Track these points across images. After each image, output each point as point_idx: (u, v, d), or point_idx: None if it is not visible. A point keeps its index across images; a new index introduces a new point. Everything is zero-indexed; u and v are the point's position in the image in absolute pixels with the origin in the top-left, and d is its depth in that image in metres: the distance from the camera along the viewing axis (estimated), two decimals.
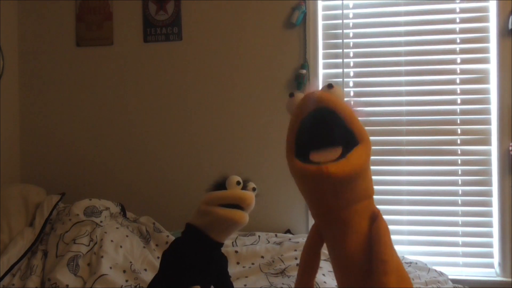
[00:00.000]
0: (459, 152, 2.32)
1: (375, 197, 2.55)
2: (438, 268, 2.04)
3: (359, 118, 1.12)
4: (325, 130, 1.10)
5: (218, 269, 1.48)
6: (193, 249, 1.39)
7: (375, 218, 1.13)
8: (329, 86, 1.12)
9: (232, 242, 2.13)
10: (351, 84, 2.41)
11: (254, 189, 1.42)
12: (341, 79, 2.39)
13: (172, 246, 1.45)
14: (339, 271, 1.18)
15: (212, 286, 1.47)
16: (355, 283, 1.13)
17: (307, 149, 1.11)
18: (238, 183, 1.37)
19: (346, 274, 1.16)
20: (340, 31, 2.39)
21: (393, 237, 2.51)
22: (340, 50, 2.39)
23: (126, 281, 1.83)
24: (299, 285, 1.27)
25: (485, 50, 2.30)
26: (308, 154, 1.10)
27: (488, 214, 2.29)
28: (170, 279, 1.38)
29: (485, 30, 2.29)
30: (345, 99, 1.14)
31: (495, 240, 2.27)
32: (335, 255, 1.18)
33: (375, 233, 1.10)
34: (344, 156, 1.06)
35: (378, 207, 2.61)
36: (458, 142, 2.32)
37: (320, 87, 1.16)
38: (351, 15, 2.41)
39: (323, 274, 1.83)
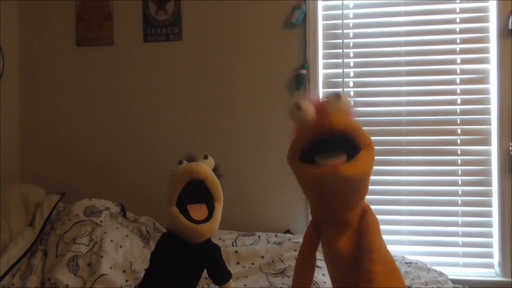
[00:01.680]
0: (459, 152, 2.32)
1: (375, 197, 2.56)
2: (438, 268, 2.04)
3: (362, 127, 1.17)
4: (329, 138, 1.14)
5: (203, 261, 1.50)
6: (167, 250, 1.44)
7: (364, 213, 1.19)
8: (337, 97, 1.15)
9: (232, 242, 2.13)
10: (351, 84, 2.41)
11: (205, 157, 1.47)
12: (341, 79, 2.40)
13: (155, 246, 1.51)
14: (330, 265, 1.25)
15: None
16: (344, 275, 1.19)
17: (311, 154, 1.16)
18: (180, 162, 1.44)
19: (336, 268, 1.22)
20: (340, 31, 2.39)
21: (393, 237, 2.52)
22: (340, 50, 2.39)
23: (126, 281, 1.83)
24: (297, 284, 1.29)
25: (485, 50, 2.30)
26: (311, 159, 1.15)
27: (488, 214, 2.29)
28: (151, 275, 1.44)
29: (485, 30, 2.29)
30: (350, 104, 1.17)
31: (495, 240, 2.27)
32: (327, 249, 1.25)
33: (364, 226, 1.16)
34: (352, 159, 1.12)
35: (378, 207, 2.61)
36: (458, 142, 2.32)
37: (325, 94, 1.19)
38: (351, 15, 2.41)
39: (323, 274, 1.83)
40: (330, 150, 1.14)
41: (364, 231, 1.15)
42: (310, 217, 2.39)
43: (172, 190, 1.41)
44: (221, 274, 1.55)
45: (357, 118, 1.18)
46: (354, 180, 1.12)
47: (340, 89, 1.19)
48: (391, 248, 2.29)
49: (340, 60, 2.40)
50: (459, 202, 2.31)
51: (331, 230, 1.22)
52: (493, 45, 2.27)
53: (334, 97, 1.15)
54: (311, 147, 1.17)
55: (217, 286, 1.59)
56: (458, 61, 2.32)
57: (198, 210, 1.40)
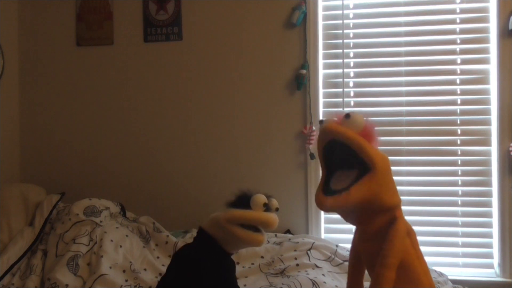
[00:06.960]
0: (459, 153, 2.32)
1: None
2: (438, 269, 2.04)
3: (374, 143, 1.26)
4: (344, 154, 1.23)
5: (227, 274, 1.51)
6: (207, 257, 1.43)
7: (393, 221, 1.26)
8: (347, 116, 1.24)
9: None
10: (351, 84, 2.41)
11: (277, 210, 1.45)
12: (341, 79, 2.40)
13: (185, 251, 1.49)
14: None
15: None
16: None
17: (333, 170, 1.27)
18: (265, 204, 1.39)
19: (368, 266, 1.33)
20: (341, 31, 2.39)
21: None
22: (340, 51, 2.39)
23: (126, 280, 1.83)
24: (351, 285, 1.41)
25: (485, 51, 2.30)
26: (331, 177, 1.26)
27: (488, 215, 2.29)
28: (181, 282, 1.41)
29: (485, 30, 2.29)
30: (362, 124, 1.24)
31: (495, 240, 2.27)
32: (354, 249, 1.40)
33: (388, 234, 1.23)
34: (353, 184, 1.20)
35: None
36: (458, 142, 2.32)
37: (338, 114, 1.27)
38: (351, 15, 2.41)
39: (323, 274, 1.83)
40: (344, 167, 1.23)
41: (386, 238, 1.23)
42: (310, 217, 2.40)
43: (242, 218, 1.40)
44: None
45: (376, 140, 1.27)
46: (345, 209, 1.22)
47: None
48: None
49: (340, 60, 2.40)
50: (459, 203, 2.31)
51: (358, 234, 1.35)
52: (493, 46, 2.27)
53: (344, 115, 1.24)
54: (330, 166, 1.27)
55: None
56: (458, 61, 2.32)
57: None
